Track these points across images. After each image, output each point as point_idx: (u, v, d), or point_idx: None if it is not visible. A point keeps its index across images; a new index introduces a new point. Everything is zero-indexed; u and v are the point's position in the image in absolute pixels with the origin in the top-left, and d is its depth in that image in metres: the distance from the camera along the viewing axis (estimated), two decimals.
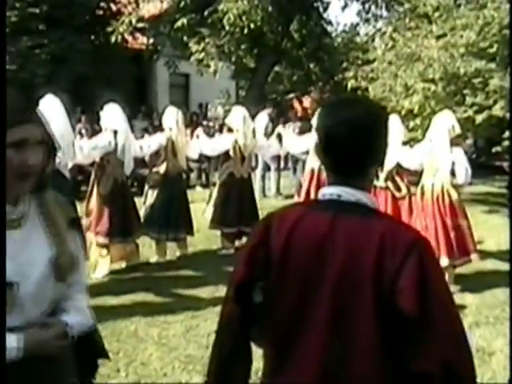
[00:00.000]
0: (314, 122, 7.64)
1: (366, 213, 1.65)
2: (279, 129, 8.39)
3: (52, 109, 5.34)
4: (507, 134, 8.73)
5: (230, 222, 7.12)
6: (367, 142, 1.64)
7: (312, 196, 7.23)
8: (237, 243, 7.28)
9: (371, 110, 1.71)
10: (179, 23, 14.68)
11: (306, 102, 22.50)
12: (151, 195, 6.88)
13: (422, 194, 6.00)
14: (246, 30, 13.57)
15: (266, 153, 8.25)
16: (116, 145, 6.23)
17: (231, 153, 7.13)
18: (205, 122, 16.01)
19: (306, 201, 1.66)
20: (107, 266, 6.26)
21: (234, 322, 1.73)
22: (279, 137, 8.08)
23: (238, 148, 7.11)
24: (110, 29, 15.10)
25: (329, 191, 1.69)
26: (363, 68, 10.98)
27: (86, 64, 15.43)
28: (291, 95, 22.94)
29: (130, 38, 16.58)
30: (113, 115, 6.31)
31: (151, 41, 16.56)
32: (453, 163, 5.82)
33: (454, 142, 5.90)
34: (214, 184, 7.82)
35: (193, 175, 13.04)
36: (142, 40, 17.27)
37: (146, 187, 7.06)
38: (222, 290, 5.60)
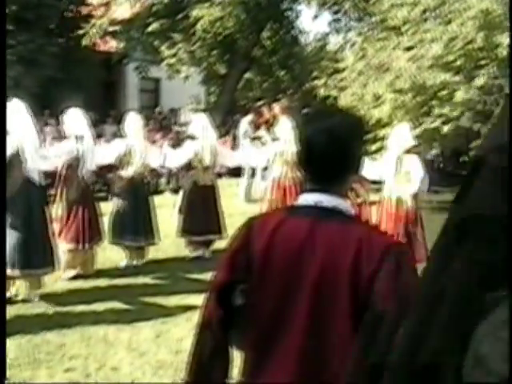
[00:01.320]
0: (278, 130, 7.73)
1: (344, 219, 1.72)
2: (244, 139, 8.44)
3: (18, 114, 5.33)
4: (473, 144, 8.94)
5: (197, 231, 7.12)
6: (345, 150, 1.71)
7: (276, 203, 7.30)
8: (201, 252, 7.28)
9: (349, 120, 1.79)
10: (151, 28, 14.67)
11: (276, 109, 22.64)
12: (115, 201, 6.89)
13: (382, 201, 6.23)
14: (218, 37, 13.64)
15: (228, 162, 8.29)
16: (81, 151, 6.19)
17: (193, 161, 7.14)
18: (176, 128, 15.98)
19: (285, 206, 1.71)
20: (75, 271, 6.25)
21: (214, 324, 1.77)
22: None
23: (201, 156, 7.12)
24: (80, 32, 14.98)
25: (308, 197, 1.74)
26: (334, 77, 11.13)
27: (55, 67, 15.26)
28: (261, 102, 23.07)
29: (100, 42, 16.47)
30: (76, 120, 6.27)
31: (122, 45, 16.48)
32: (409, 172, 6.02)
33: (412, 151, 6.11)
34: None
35: (162, 180, 13.01)
36: (112, 43, 17.17)
37: (111, 193, 7.08)
38: (191, 297, 5.64)
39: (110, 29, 15.50)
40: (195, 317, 5.00)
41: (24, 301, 5.42)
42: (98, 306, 5.36)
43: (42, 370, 4.09)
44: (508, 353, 0.73)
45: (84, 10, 16.78)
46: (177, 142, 13.38)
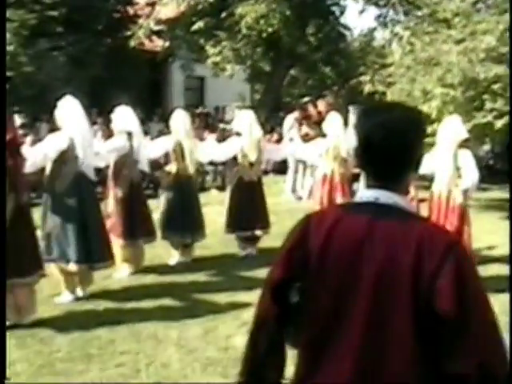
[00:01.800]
0: (327, 126, 7.61)
1: (404, 215, 1.68)
2: (291, 133, 8.36)
3: (72, 110, 5.40)
4: None
5: (243, 226, 7.12)
6: (405, 145, 1.67)
7: (325, 201, 7.21)
8: (250, 249, 7.27)
9: (409, 114, 1.74)
10: (196, 26, 14.77)
11: (321, 106, 22.50)
12: (163, 198, 6.91)
13: (431, 198, 6.09)
14: (262, 34, 13.60)
15: (274, 156, 8.25)
16: (131, 147, 6.25)
17: (239, 157, 7.12)
18: (221, 125, 16.03)
19: (342, 203, 1.69)
20: (128, 268, 6.31)
21: (270, 322, 1.75)
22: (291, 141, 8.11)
23: (245, 152, 7.09)
24: (128, 33, 15.19)
25: (367, 194, 1.71)
26: (380, 72, 10.96)
27: (103, 66, 15.54)
28: (306, 99, 22.97)
29: (146, 41, 16.69)
30: (125, 117, 6.33)
31: (167, 44, 16.65)
32: (461, 167, 5.85)
33: (463, 145, 5.92)
34: None
35: (208, 178, 13.07)
36: (157, 43, 17.37)
37: (160, 190, 7.08)
38: (239, 294, 5.64)
39: (156, 28, 15.67)
40: (243, 314, 5.06)
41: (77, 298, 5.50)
42: (147, 304, 5.40)
43: (93, 365, 4.15)
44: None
45: (130, 11, 17.05)
46: (223, 140, 13.44)
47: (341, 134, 7.24)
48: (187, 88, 20.84)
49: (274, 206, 9.96)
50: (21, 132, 8.43)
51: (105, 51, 15.67)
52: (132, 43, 15.08)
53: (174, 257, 6.90)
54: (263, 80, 19.44)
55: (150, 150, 6.79)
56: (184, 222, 6.75)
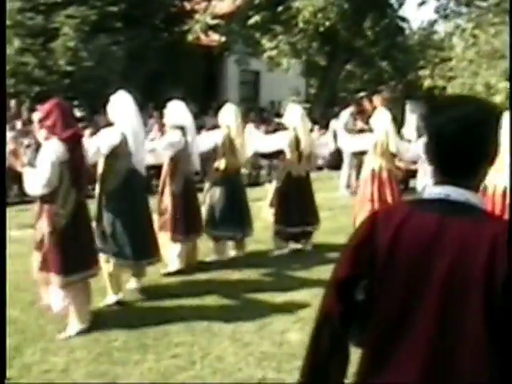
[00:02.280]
0: (374, 121, 7.41)
1: (476, 214, 1.62)
2: (334, 125, 8.19)
3: (123, 105, 5.34)
4: None
5: (293, 222, 7.03)
6: (478, 140, 1.62)
7: (375, 197, 7.04)
8: (292, 245, 7.20)
9: (483, 108, 1.68)
10: (252, 20, 14.77)
11: (377, 101, 22.17)
12: (210, 193, 6.78)
13: (484, 193, 5.87)
14: (320, 28, 13.47)
15: (323, 150, 8.11)
16: (186, 142, 6.20)
17: (287, 151, 7.01)
18: (277, 120, 16.01)
19: (411, 199, 1.64)
20: (181, 264, 6.27)
21: (334, 319, 1.71)
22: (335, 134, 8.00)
23: (294, 146, 7.00)
24: (185, 27, 15.34)
25: (437, 190, 1.66)
26: (440, 66, 10.67)
27: (160, 61, 15.77)
28: (361, 94, 22.69)
29: (202, 36, 16.82)
30: (178, 112, 6.27)
31: (223, 38, 16.72)
32: None
33: None
34: None
35: (263, 172, 13.07)
36: (213, 37, 17.48)
37: (207, 185, 6.90)
38: (294, 290, 5.63)
39: (212, 23, 15.76)
40: (298, 310, 5.02)
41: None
42: (202, 298, 5.41)
43: (149, 355, 4.20)
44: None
45: (187, 6, 17.22)
46: None
47: (389, 130, 7.06)
48: (242, 82, 20.90)
49: (329, 202, 9.89)
50: (80, 125, 8.56)
51: (162, 46, 15.89)
52: (189, 38, 15.21)
53: (213, 254, 6.82)
54: (318, 74, 19.30)
55: (199, 143, 6.67)
56: (234, 217, 6.67)
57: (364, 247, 1.67)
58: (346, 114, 8.29)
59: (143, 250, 5.35)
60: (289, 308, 5.23)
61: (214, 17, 15.49)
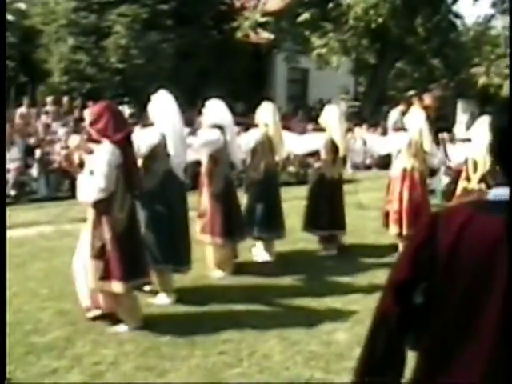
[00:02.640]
0: (409, 121, 7.19)
1: None
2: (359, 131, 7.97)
3: (164, 105, 5.21)
4: None
5: (321, 225, 6.91)
6: None
7: (405, 197, 6.87)
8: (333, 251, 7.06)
9: None
10: (302, 18, 14.70)
11: (428, 99, 21.74)
12: (248, 194, 6.61)
13: None
14: (371, 25, 13.28)
15: (380, 150, 7.87)
16: (225, 141, 5.96)
17: (323, 152, 6.86)
18: None
19: (473, 201, 1.59)
20: (227, 268, 6.11)
21: (391, 322, 1.67)
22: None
23: (330, 148, 6.85)
24: (234, 25, 15.40)
25: (502, 192, 1.60)
26: (497, 63, 10.35)
27: (209, 59, 15.88)
28: (411, 92, 22.29)
29: (251, 33, 16.84)
30: (217, 111, 6.04)
31: (272, 35, 16.71)
32: None
33: None
34: None
35: (310, 171, 12.96)
36: (262, 35, 17.48)
37: (244, 185, 6.76)
38: (341, 290, 5.57)
39: (262, 20, 15.76)
40: (347, 310, 4.96)
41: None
42: (248, 299, 5.36)
43: (197, 351, 4.21)
44: None
45: (237, 3, 17.28)
46: None
47: (423, 129, 6.88)
48: (290, 80, 20.83)
49: (377, 202, 9.72)
50: (130, 121, 8.60)
51: (211, 44, 16.00)
52: (238, 35, 15.26)
53: (260, 254, 6.70)
54: (368, 73, 19.07)
55: (240, 142, 6.48)
56: (269, 217, 6.52)
57: (424, 249, 1.62)
58: (395, 113, 8.14)
59: (176, 257, 5.16)
60: (337, 308, 5.18)
61: (264, 14, 15.49)
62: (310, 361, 4.12)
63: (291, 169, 12.21)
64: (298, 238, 7.42)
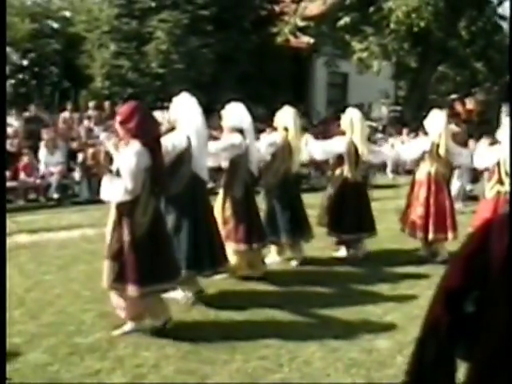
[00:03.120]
0: (429, 124, 7.02)
1: None
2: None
3: (188, 108, 5.15)
4: None
5: (348, 229, 6.82)
6: None
7: (431, 201, 6.72)
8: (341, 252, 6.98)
9: None
10: (342, 22, 14.61)
11: (470, 103, 21.36)
12: (266, 199, 6.53)
13: None
14: (413, 29, 13.09)
15: (375, 160, 7.64)
16: (246, 146, 5.84)
17: (346, 156, 6.75)
18: (368, 122, 15.72)
19: None
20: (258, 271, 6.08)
21: (441, 330, 1.63)
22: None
23: (353, 151, 6.73)
24: (274, 30, 15.42)
25: None
26: None
27: (249, 63, 15.93)
28: (453, 96, 21.92)
29: (291, 38, 16.83)
30: (238, 114, 5.87)
31: (312, 40, 16.66)
32: None
33: None
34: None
35: (330, 175, 12.84)
36: (302, 39, 17.44)
37: (263, 190, 6.64)
38: (382, 295, 5.48)
39: (302, 25, 15.73)
40: (387, 316, 4.89)
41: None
42: (288, 304, 5.37)
43: (237, 355, 4.20)
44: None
45: (277, 8, 17.30)
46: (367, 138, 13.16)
47: (442, 133, 6.74)
48: (330, 84, 20.74)
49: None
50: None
51: (251, 48, 16.05)
52: (278, 40, 15.27)
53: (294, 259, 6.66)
54: (408, 76, 18.82)
55: (261, 146, 6.40)
56: (293, 222, 6.43)
57: (477, 257, 1.58)
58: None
59: (201, 260, 5.12)
60: (377, 314, 5.10)
61: (304, 18, 15.45)
62: (351, 368, 4.07)
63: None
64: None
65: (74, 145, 12.14)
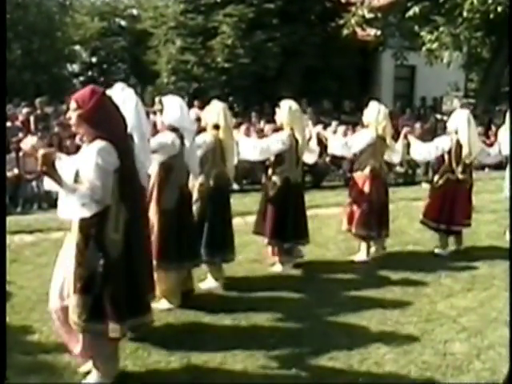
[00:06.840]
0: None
1: None
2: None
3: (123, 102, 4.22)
4: None
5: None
6: None
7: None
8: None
9: None
10: (411, 12, 14.13)
11: None
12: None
13: None
14: (490, 15, 12.44)
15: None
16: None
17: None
18: (439, 116, 15.24)
19: None
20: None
21: None
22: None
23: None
24: (340, 21, 15.13)
25: None
26: None
27: (315, 57, 15.73)
28: None
29: (357, 30, 16.48)
30: (176, 111, 5.35)
31: (379, 32, 16.26)
32: None
33: None
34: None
35: (419, 171, 12.49)
36: (369, 31, 17.05)
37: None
38: (456, 297, 5.28)
39: (369, 16, 15.35)
40: (462, 318, 4.66)
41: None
42: (357, 303, 5.24)
43: (306, 356, 4.08)
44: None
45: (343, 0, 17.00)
46: (433, 132, 12.73)
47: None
48: (397, 77, 20.24)
49: (491, 204, 9.15)
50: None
51: (317, 41, 15.83)
52: (344, 32, 14.97)
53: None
54: (480, 68, 18.08)
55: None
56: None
57: None
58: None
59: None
60: (451, 315, 4.86)
61: (371, 9, 15.06)
62: (425, 372, 3.87)
63: (398, 169, 11.79)
64: (407, 240, 7.20)
65: None
